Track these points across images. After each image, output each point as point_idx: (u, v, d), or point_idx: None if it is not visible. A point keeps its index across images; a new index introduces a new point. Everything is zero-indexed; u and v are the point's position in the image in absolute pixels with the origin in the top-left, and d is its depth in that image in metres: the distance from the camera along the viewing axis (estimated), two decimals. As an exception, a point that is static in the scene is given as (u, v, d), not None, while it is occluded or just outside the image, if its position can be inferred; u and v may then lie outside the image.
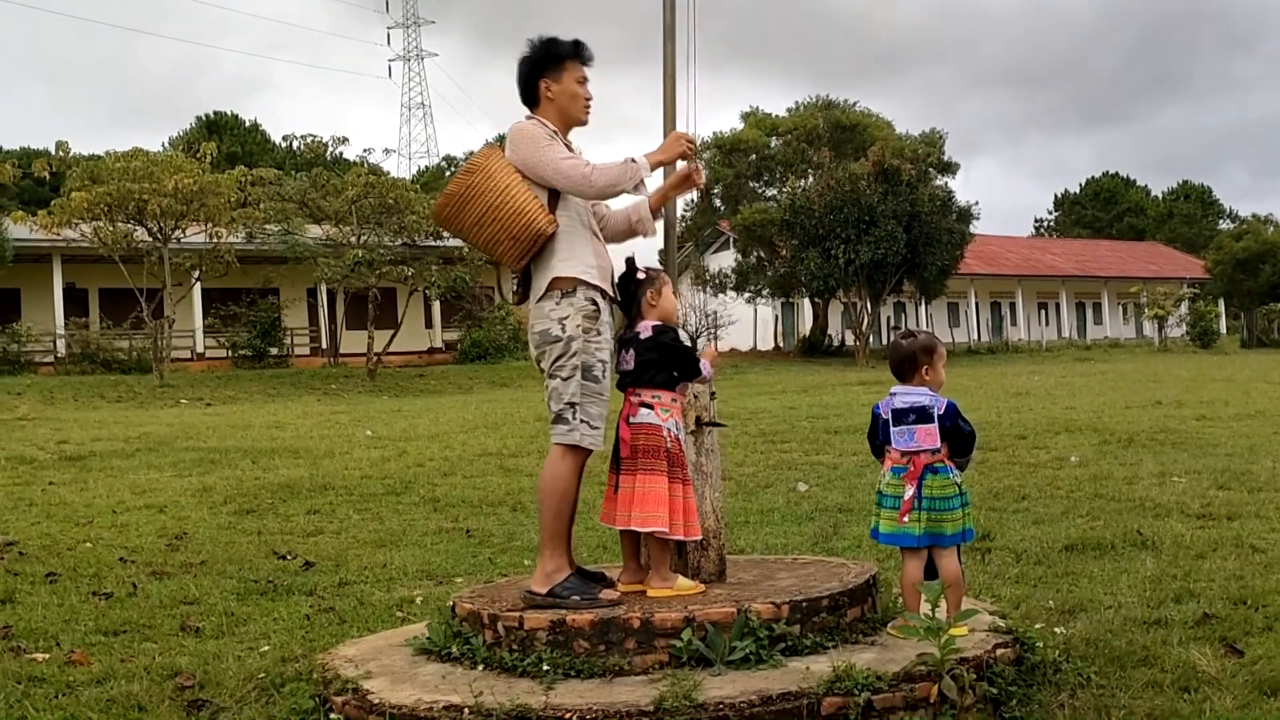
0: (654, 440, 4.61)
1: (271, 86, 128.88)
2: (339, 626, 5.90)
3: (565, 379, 4.65)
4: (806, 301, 50.84)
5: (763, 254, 47.28)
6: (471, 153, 4.75)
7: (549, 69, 4.84)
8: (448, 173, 73.90)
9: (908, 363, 4.73)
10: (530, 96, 4.89)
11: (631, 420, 4.68)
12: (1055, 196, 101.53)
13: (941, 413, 4.60)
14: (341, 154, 73.58)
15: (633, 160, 4.73)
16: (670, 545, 4.66)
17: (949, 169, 47.00)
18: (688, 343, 4.83)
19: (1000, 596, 5.97)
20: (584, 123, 4.93)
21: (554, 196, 4.75)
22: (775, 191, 49.11)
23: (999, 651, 4.27)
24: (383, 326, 36.36)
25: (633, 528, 4.57)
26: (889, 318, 54.13)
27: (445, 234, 35.66)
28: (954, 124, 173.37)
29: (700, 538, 4.74)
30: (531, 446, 14.67)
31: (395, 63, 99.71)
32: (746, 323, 51.20)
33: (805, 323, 52.36)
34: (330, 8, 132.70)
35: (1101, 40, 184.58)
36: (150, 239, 31.83)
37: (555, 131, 4.80)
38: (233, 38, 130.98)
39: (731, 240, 50.26)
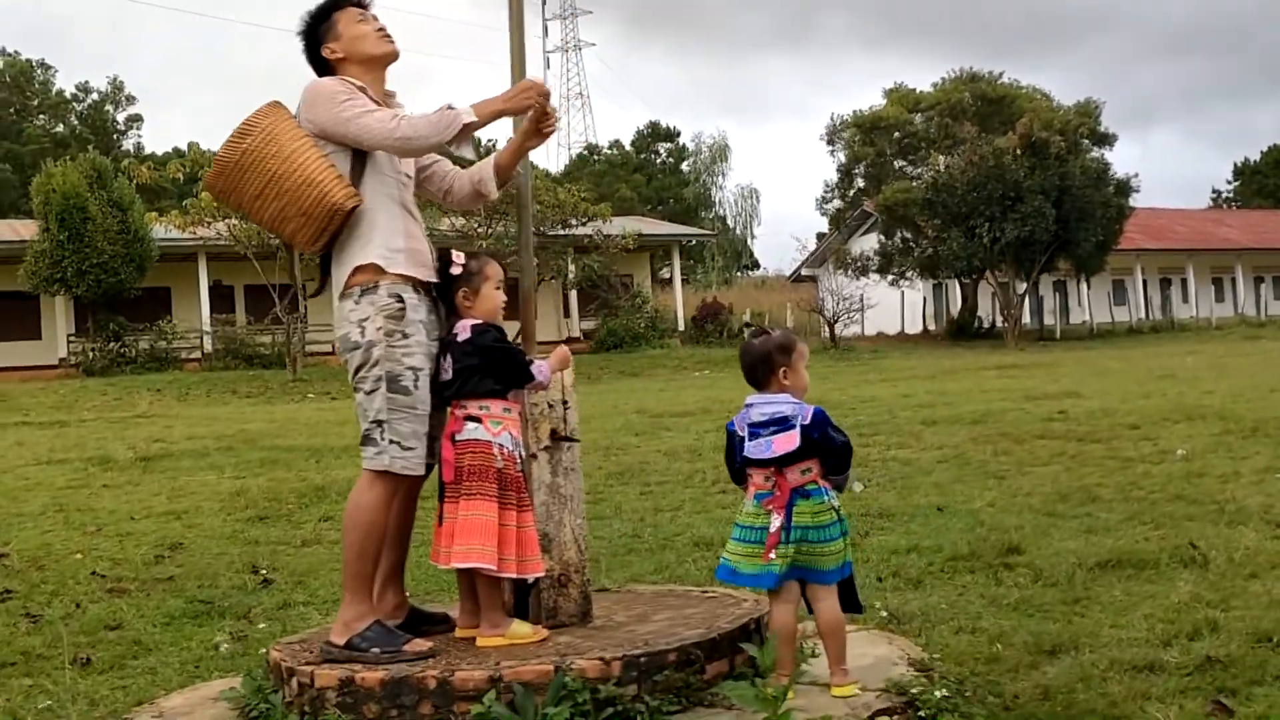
0: (481, 460, 3.91)
1: (430, 82, 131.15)
2: (238, 660, 5.34)
3: (369, 393, 3.96)
4: (957, 282, 49.14)
5: (908, 235, 45.73)
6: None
7: (324, 35, 4.19)
8: (592, 160, 73.76)
9: (761, 366, 3.93)
10: (323, 69, 4.23)
11: (457, 437, 3.98)
12: (1235, 166, 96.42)
13: (807, 422, 3.79)
14: (495, 144, 74.58)
15: (449, 108, 3.99)
16: (504, 585, 3.96)
17: (1105, 140, 44.79)
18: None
19: (979, 630, 5.11)
20: (392, 53, 4.25)
21: (357, 167, 4.04)
22: (920, 170, 47.52)
23: (878, 721, 3.47)
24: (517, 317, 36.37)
25: (454, 564, 3.88)
26: (1043, 297, 51.89)
27: (575, 222, 35.34)
28: (1128, 93, 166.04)
29: (542, 574, 4.03)
30: (607, 443, 14.04)
31: (554, 54, 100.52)
32: (892, 306, 49.62)
33: (956, 304, 50.60)
34: (486, 2, 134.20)
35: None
36: (281, 236, 32.19)
37: (362, 87, 4.11)
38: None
39: (879, 221, 48.88)
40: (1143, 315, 55.33)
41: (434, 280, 4.13)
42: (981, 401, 17.46)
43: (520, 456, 4.02)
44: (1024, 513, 8.09)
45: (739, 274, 77.08)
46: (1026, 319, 49.44)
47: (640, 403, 20.94)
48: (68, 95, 69.53)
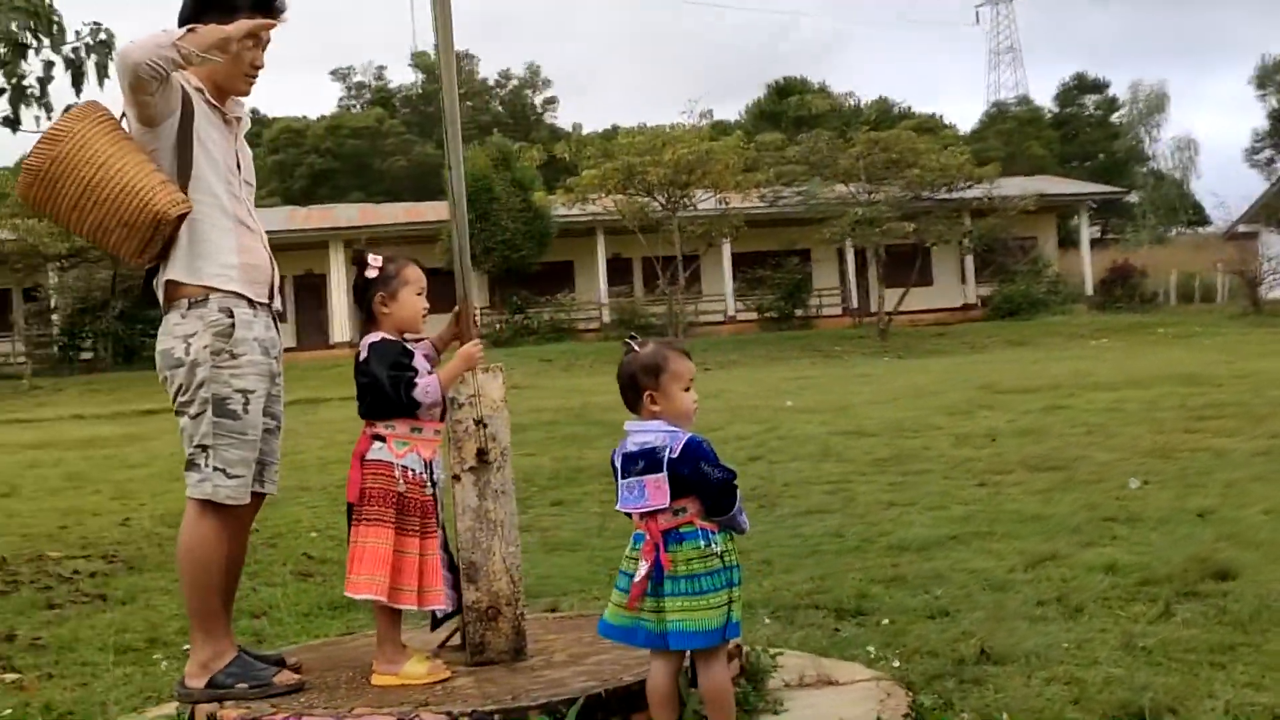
0: (383, 483, 3.66)
1: (853, 46, 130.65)
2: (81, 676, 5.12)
3: (194, 416, 3.69)
4: None
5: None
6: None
7: (218, 11, 3.72)
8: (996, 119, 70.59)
9: (629, 389, 3.37)
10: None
11: (365, 457, 3.72)
12: None
13: (675, 456, 3.21)
14: (910, 108, 72.74)
15: (164, 31, 3.55)
16: (400, 618, 3.66)
17: None
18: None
19: (1074, 682, 4.25)
20: (243, 93, 3.88)
21: (183, 171, 3.71)
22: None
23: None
24: (918, 284, 35.94)
25: (349, 594, 3.62)
26: None
27: (966, 183, 33.95)
28: None
29: (443, 605, 3.70)
30: (910, 423, 13.23)
31: (982, 8, 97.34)
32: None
33: None
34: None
35: None
36: (661, 209, 32.95)
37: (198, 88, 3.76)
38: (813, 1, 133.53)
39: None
40: None
41: (267, 301, 3.84)
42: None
43: (430, 480, 3.74)
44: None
45: (1177, 232, 71.63)
46: None
47: (994, 376, 19.75)
48: (490, 83, 74.16)
